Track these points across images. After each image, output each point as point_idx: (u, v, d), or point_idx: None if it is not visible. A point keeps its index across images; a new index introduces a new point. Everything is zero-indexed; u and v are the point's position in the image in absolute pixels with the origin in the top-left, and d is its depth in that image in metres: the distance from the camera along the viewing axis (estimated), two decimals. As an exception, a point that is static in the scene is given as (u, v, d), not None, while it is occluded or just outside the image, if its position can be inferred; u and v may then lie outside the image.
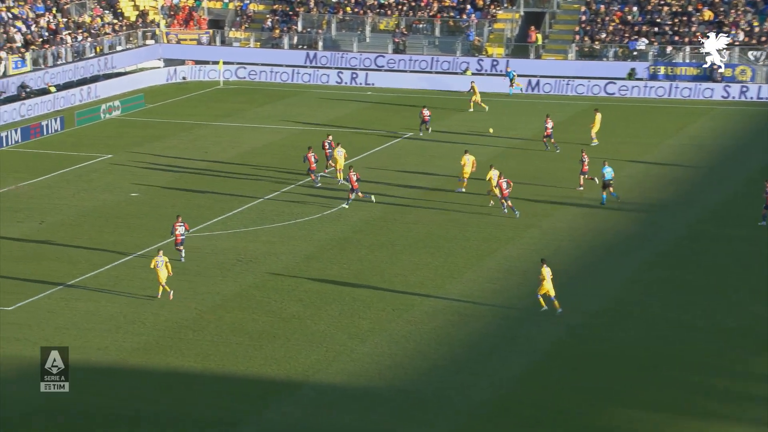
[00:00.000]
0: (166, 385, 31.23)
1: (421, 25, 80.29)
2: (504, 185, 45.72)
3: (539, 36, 77.88)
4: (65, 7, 77.24)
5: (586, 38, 76.12)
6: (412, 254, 41.93)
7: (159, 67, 79.66)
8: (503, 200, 45.85)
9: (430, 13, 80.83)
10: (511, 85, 72.14)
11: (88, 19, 77.63)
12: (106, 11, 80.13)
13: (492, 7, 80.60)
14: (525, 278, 39.32)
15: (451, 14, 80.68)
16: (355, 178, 46.47)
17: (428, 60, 76.98)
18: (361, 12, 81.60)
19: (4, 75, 67.53)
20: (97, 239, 43.60)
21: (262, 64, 78.68)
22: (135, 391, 30.81)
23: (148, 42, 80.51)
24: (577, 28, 77.49)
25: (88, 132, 62.80)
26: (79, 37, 74.90)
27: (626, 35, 75.81)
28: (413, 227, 45.36)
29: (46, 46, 72.03)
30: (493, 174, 46.69)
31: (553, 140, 56.78)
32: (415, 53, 78.11)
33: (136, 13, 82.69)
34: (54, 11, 76.18)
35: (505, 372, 32.00)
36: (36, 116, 64.90)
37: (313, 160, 49.98)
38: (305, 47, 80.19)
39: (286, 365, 32.39)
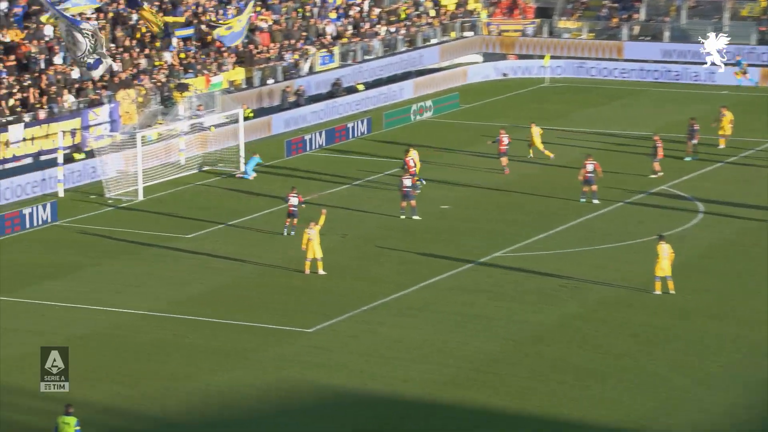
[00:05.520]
0: (477, 424, 31.34)
1: (796, 10, 77.32)
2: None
3: None
4: (378, -5, 79.40)
5: None
6: (773, 286, 40.59)
7: (477, 63, 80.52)
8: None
9: (812, -6, 77.59)
10: (740, 75, 70.30)
11: (402, 9, 79.40)
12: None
13: None
14: None
15: None
16: (296, 202, 46.04)
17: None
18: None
19: (311, 72, 70.02)
20: (403, 257, 44.36)
21: (596, 59, 78.10)
22: (442, 430, 31.00)
23: (465, 34, 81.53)
24: None
25: (397, 135, 64.11)
26: (392, 29, 76.77)
27: None
28: (775, 254, 43.92)
29: (356, 39, 74.24)
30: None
31: None
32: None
33: (455, 1, 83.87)
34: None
35: None
36: (341, 117, 66.94)
37: (411, 164, 51.08)
38: (649, 38, 78.91)
39: (617, 411, 31.84)
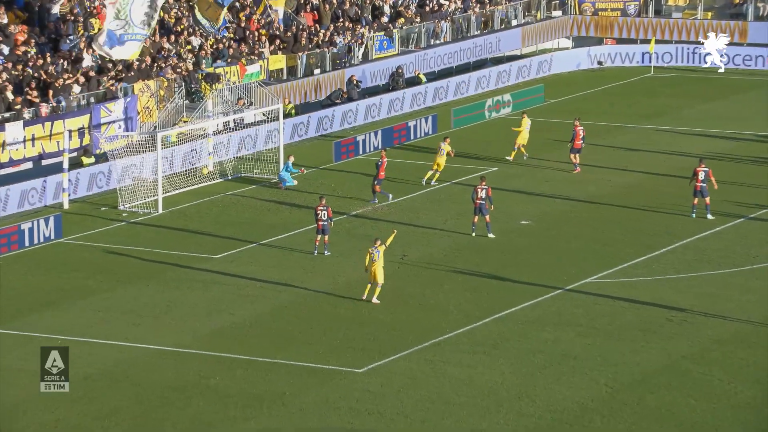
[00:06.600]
0: (563, 489, 31.30)
1: None
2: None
3: None
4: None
5: None
6: None
7: (567, 48, 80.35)
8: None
9: None
10: None
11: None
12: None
13: None
14: None
15: None
16: (325, 216, 46.64)
17: None
18: None
19: (366, 59, 70.05)
20: (471, 281, 44.29)
21: (712, 44, 77.83)
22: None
23: (553, 14, 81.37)
24: None
25: (468, 135, 64.08)
26: (463, 7, 76.74)
27: None
28: None
29: (417, 19, 74.23)
30: None
31: None
32: None
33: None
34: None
35: None
36: (401, 114, 66.88)
37: (384, 168, 53.03)
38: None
39: (731, 473, 31.67)
